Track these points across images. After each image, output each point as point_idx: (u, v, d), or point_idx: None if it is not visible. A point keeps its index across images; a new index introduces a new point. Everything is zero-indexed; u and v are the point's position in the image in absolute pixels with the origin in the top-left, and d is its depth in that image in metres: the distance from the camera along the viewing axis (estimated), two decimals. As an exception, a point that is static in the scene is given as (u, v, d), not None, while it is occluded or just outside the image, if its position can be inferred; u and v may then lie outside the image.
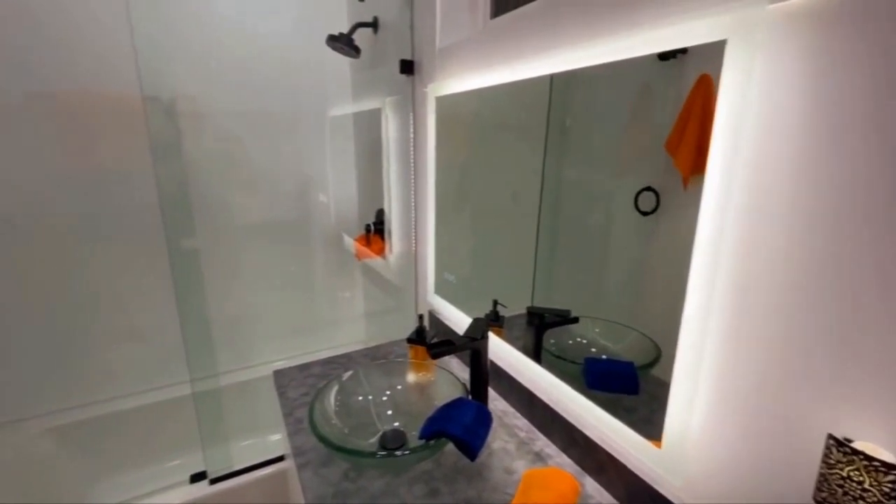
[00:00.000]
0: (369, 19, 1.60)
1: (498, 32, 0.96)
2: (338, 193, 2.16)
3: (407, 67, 1.33)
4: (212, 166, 1.83)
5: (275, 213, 2.05)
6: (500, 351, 0.99)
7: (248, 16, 1.83)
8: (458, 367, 1.22)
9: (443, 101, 1.18)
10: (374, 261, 1.86)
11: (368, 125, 1.85)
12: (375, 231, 1.80)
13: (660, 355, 0.71)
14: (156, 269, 1.76)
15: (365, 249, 1.88)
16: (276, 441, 1.89)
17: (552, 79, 0.86)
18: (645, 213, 0.72)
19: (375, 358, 1.26)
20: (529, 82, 0.89)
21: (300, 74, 1.96)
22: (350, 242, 2.06)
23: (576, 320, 0.88)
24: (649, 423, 0.70)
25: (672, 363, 0.64)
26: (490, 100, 1.04)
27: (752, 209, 0.53)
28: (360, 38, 1.57)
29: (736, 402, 0.58)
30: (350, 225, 2.12)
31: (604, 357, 0.82)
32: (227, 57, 1.82)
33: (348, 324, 2.30)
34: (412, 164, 1.42)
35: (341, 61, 1.83)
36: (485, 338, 0.88)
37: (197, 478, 1.37)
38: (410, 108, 1.38)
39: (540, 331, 0.94)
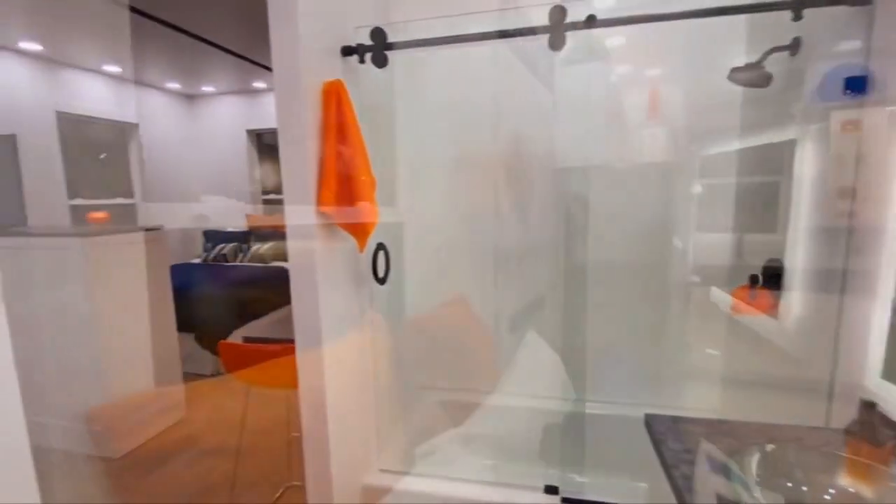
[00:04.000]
0: (786, 42, 1.39)
1: None
2: (702, 239, 1.96)
3: (857, 84, 1.07)
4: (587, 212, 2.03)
5: (634, 256, 2.06)
6: None
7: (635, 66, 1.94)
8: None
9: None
10: (757, 319, 1.56)
11: (760, 161, 1.60)
12: (764, 284, 1.51)
13: None
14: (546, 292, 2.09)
15: (745, 304, 1.61)
16: (618, 485, 1.82)
17: None
18: None
19: (773, 438, 1.02)
20: None
21: (681, 116, 1.93)
22: (720, 294, 1.82)
23: None
24: None
25: None
26: None
27: None
28: (770, 63, 1.39)
29: None
30: (716, 273, 1.88)
31: None
32: (605, 111, 1.99)
33: (699, 385, 2.02)
34: (850, 205, 1.11)
35: (731, 94, 1.67)
36: None
37: (550, 490, 1.47)
38: (854, 134, 1.10)
39: None
